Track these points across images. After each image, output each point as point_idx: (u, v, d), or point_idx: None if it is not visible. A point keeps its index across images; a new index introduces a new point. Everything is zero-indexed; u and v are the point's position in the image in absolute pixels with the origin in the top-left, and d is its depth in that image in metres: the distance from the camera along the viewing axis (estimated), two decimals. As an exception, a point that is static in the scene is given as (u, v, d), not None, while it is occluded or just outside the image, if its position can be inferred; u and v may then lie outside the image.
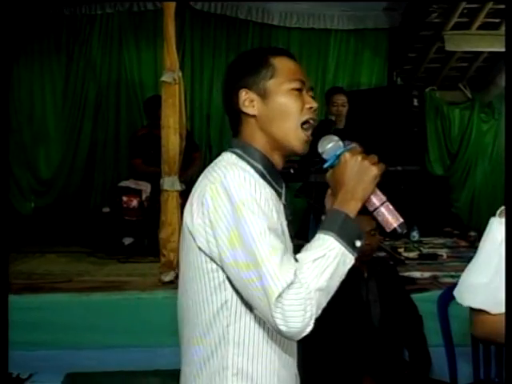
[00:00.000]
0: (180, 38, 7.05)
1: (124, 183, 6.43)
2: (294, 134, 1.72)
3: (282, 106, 1.72)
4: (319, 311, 1.53)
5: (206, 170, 1.72)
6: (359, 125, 6.40)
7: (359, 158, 1.62)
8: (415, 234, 6.21)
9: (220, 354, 1.65)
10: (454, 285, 4.24)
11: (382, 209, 1.65)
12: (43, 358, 3.93)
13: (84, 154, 7.95)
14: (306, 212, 6.17)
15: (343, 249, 1.56)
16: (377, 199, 1.65)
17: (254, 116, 1.74)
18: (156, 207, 5.04)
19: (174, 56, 4.60)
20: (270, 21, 8.04)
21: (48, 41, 7.89)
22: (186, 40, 7.98)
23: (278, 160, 1.77)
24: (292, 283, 1.48)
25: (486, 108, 8.49)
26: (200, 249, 1.62)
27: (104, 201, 7.33)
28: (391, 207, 1.65)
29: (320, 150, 1.70)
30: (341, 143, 1.69)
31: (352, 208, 1.61)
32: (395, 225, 1.64)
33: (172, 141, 4.56)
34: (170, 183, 4.57)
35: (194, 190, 1.70)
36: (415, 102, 7.53)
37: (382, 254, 5.15)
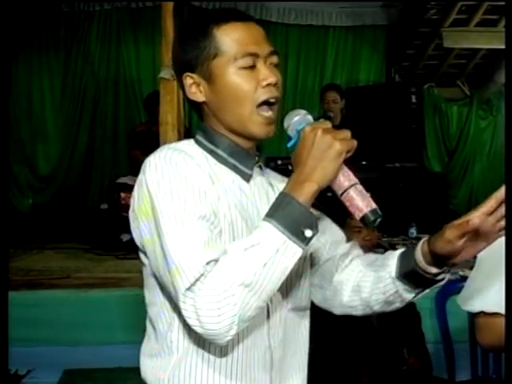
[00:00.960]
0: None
1: (122, 179, 6.42)
2: (249, 120, 1.46)
3: (230, 90, 1.45)
4: (249, 312, 1.28)
5: None
6: (357, 121, 6.41)
7: (319, 131, 1.32)
8: (413, 231, 6.20)
9: (161, 362, 1.50)
10: (452, 281, 4.26)
11: (351, 192, 1.35)
12: (41, 355, 3.94)
13: (82, 151, 7.96)
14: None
15: (285, 238, 1.28)
16: (344, 180, 1.36)
17: (203, 102, 1.51)
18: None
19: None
20: (268, 17, 8.03)
21: (46, 37, 7.89)
22: (184, 36, 7.96)
23: (243, 141, 1.51)
24: (205, 276, 1.26)
25: (484, 105, 8.50)
26: (137, 246, 1.52)
27: (102, 197, 7.33)
28: (363, 190, 1.36)
29: (285, 125, 1.45)
30: (310, 117, 1.43)
31: (305, 190, 1.31)
32: (366, 210, 1.34)
33: (170, 137, 4.56)
34: (168, 180, 4.57)
35: None
36: (413, 99, 7.52)
37: (380, 250, 5.15)
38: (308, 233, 1.30)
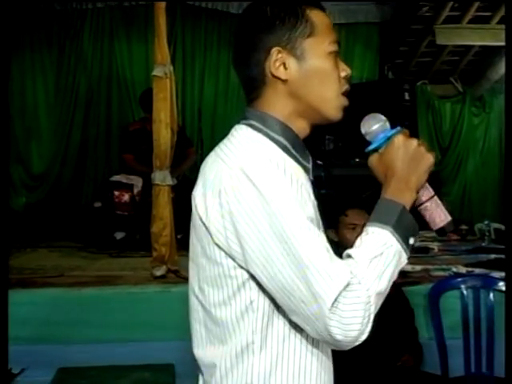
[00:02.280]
0: (171, 32, 7.05)
1: (115, 178, 6.42)
2: (335, 102, 1.48)
3: (321, 71, 1.45)
4: (374, 317, 1.30)
5: (217, 148, 1.45)
6: (350, 118, 6.40)
7: (415, 142, 1.41)
8: (407, 228, 6.20)
9: (242, 367, 1.38)
10: (446, 278, 4.29)
11: (430, 204, 1.44)
12: (35, 353, 3.93)
13: (75, 149, 7.94)
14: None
15: (400, 247, 1.33)
16: (425, 193, 1.44)
17: (284, 81, 1.44)
18: (148, 202, 5.04)
19: (165, 50, 4.60)
20: (262, 15, 8.01)
21: (39, 36, 7.87)
22: (177, 34, 7.96)
23: (303, 129, 1.49)
24: (349, 284, 1.25)
25: (477, 102, 8.53)
26: (218, 246, 1.36)
27: (96, 195, 7.32)
28: (439, 202, 1.45)
29: (363, 131, 1.49)
30: (388, 124, 1.48)
31: (407, 198, 1.38)
32: (444, 223, 1.44)
33: (163, 135, 4.56)
34: (162, 177, 4.56)
35: (203, 173, 1.43)
36: (406, 96, 7.52)
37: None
38: (411, 240, 1.37)
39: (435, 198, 1.45)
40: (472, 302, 3.56)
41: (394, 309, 3.58)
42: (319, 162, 5.65)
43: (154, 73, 4.59)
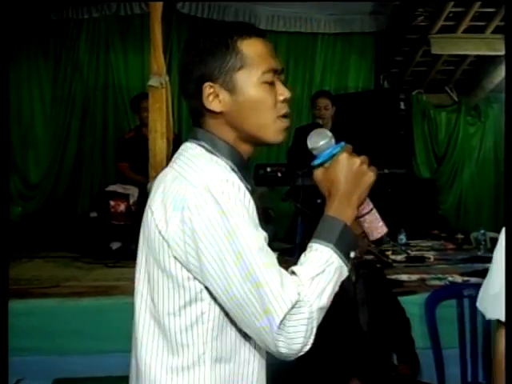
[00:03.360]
0: (167, 42, 7.05)
1: (111, 187, 6.40)
2: (272, 127, 1.53)
3: (253, 102, 1.51)
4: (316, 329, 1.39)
5: (174, 165, 1.52)
6: (346, 128, 6.42)
7: (358, 160, 1.48)
8: (402, 237, 6.21)
9: (193, 378, 1.44)
10: (442, 287, 4.29)
11: (369, 217, 1.55)
12: (30, 364, 3.91)
13: (71, 159, 7.94)
14: (293, 216, 6.18)
15: (341, 262, 1.42)
16: (365, 206, 1.54)
17: (219, 112, 1.51)
18: (143, 212, 5.03)
19: (160, 60, 4.61)
20: (257, 24, 8.00)
21: (35, 45, 7.87)
22: (172, 44, 7.97)
23: (246, 150, 1.57)
24: (296, 303, 1.33)
25: (472, 111, 8.55)
26: (175, 258, 1.42)
27: (91, 205, 7.31)
28: (377, 215, 1.56)
29: (310, 146, 1.54)
30: (333, 140, 1.54)
31: (350, 215, 1.47)
32: (380, 234, 1.56)
33: (159, 145, 4.56)
34: (158, 187, 4.56)
35: (162, 186, 1.48)
36: (402, 106, 7.55)
37: (370, 257, 5.16)
38: (352, 254, 1.47)
39: (374, 211, 1.55)
40: (468, 311, 3.56)
41: (390, 318, 3.58)
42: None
43: (150, 83, 4.60)
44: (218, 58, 1.49)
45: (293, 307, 1.32)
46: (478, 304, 1.98)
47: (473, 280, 4.41)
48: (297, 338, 1.33)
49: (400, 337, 3.59)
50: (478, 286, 3.87)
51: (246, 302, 1.34)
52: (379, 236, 1.56)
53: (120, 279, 4.99)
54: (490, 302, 1.89)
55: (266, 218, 5.36)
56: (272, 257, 1.38)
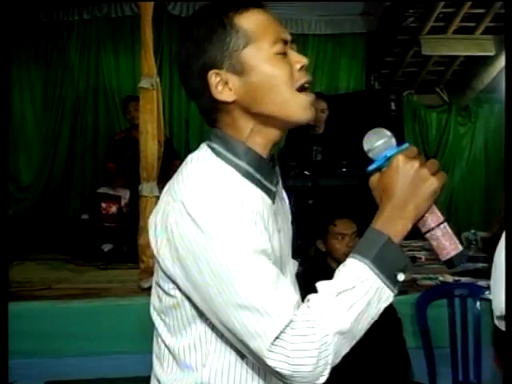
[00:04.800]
0: (158, 43, 7.04)
1: (103, 189, 6.41)
2: (293, 104, 1.34)
3: (267, 79, 1.33)
4: (337, 360, 1.21)
5: (178, 170, 1.40)
6: (337, 129, 6.44)
7: (416, 164, 1.26)
8: (394, 238, 6.20)
9: None
10: (433, 287, 4.30)
11: (438, 232, 1.29)
12: (23, 367, 3.90)
13: (62, 161, 7.94)
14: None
15: (379, 282, 1.22)
16: (433, 219, 1.30)
17: (232, 102, 1.35)
18: (135, 213, 5.03)
19: (151, 62, 4.60)
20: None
21: (26, 47, 7.85)
22: (163, 46, 7.97)
23: (266, 143, 1.38)
24: (292, 321, 1.17)
25: (462, 111, 8.57)
26: (168, 276, 1.32)
27: (83, 207, 7.30)
28: (449, 230, 1.30)
29: (366, 148, 1.34)
30: (393, 140, 1.32)
31: (399, 229, 1.26)
32: (452, 254, 1.29)
33: (150, 147, 4.55)
34: (149, 189, 4.56)
35: (160, 199, 1.37)
36: (393, 106, 7.55)
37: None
38: (400, 277, 1.25)
39: (445, 224, 1.30)
40: (459, 311, 3.58)
41: (381, 319, 3.58)
42: (307, 172, 5.66)
43: (141, 84, 4.58)
44: (216, 41, 1.33)
45: (289, 326, 1.17)
46: (497, 312, 1.87)
47: (464, 280, 4.44)
48: (302, 362, 1.16)
49: (391, 337, 3.60)
50: (469, 286, 3.91)
51: (232, 325, 1.21)
52: (450, 256, 1.29)
53: (112, 281, 5.00)
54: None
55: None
56: (263, 273, 1.21)
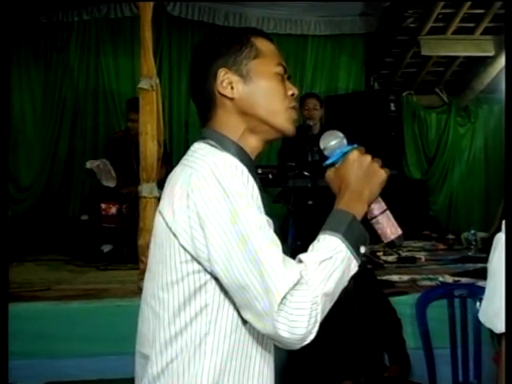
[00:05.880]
0: (157, 44, 7.05)
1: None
2: (282, 115, 1.58)
3: (266, 88, 1.57)
4: (323, 317, 1.37)
5: (182, 161, 1.53)
6: (337, 129, 6.43)
7: (368, 158, 1.51)
8: (394, 238, 6.20)
9: (193, 369, 1.43)
10: (433, 287, 4.30)
11: (382, 218, 1.52)
12: (22, 368, 3.90)
13: (62, 162, 7.94)
14: (285, 218, 6.18)
15: (349, 253, 1.40)
16: (378, 206, 1.52)
17: (231, 99, 1.56)
18: (135, 214, 5.03)
19: (151, 63, 4.59)
20: (248, 26, 8.03)
21: (26, 48, 7.88)
22: (163, 47, 7.98)
23: (256, 148, 1.60)
24: (298, 283, 1.32)
25: (462, 112, 8.57)
26: (184, 248, 1.41)
27: (82, 208, 7.30)
28: (391, 216, 1.53)
29: (322, 146, 1.56)
30: (345, 141, 1.55)
31: (359, 210, 1.46)
32: (393, 236, 1.52)
33: (150, 147, 4.54)
34: (149, 190, 4.55)
35: (169, 182, 1.51)
36: (392, 107, 7.57)
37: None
38: (362, 249, 1.45)
39: (387, 211, 1.52)
40: (459, 312, 3.57)
41: (381, 319, 3.59)
42: (306, 173, 5.66)
43: (140, 85, 4.58)
44: (232, 48, 1.57)
45: (294, 287, 1.31)
46: (482, 320, 1.86)
47: (463, 280, 4.43)
48: (299, 322, 1.30)
49: (391, 337, 3.60)
50: (468, 286, 3.91)
51: (247, 283, 1.34)
52: (392, 238, 1.52)
53: (111, 282, 5.00)
54: (499, 316, 1.74)
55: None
56: (274, 239, 1.38)
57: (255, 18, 8.07)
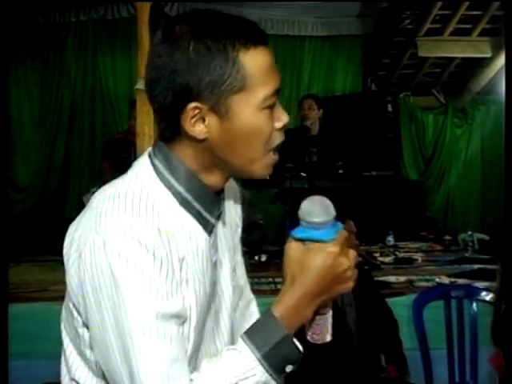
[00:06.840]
0: (155, 45, 7.04)
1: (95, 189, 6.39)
2: (260, 162, 1.26)
3: (248, 132, 1.22)
4: None
5: (120, 179, 1.28)
6: (334, 130, 6.45)
7: (346, 264, 1.20)
8: (390, 239, 6.23)
9: None
10: (429, 288, 4.31)
11: (326, 318, 1.28)
12: (19, 369, 3.89)
13: (59, 162, 7.95)
14: (282, 218, 6.18)
15: (266, 375, 1.16)
16: (325, 308, 1.28)
17: (201, 140, 1.22)
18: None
19: (148, 63, 4.59)
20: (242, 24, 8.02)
21: (23, 49, 7.86)
22: (160, 47, 7.97)
23: (215, 182, 1.29)
24: None
25: (459, 113, 8.58)
26: (73, 304, 1.26)
27: (79, 209, 7.25)
28: (330, 321, 1.29)
29: (301, 214, 1.23)
30: (332, 220, 1.22)
31: (300, 319, 1.21)
32: (320, 341, 1.28)
33: (147, 148, 4.55)
34: (146, 191, 4.55)
35: (81, 215, 1.31)
36: (389, 108, 7.58)
37: (358, 258, 5.17)
38: (289, 368, 1.20)
39: (329, 315, 1.28)
40: (455, 312, 3.57)
41: (378, 320, 3.59)
42: (303, 174, 5.67)
43: (138, 86, 4.58)
44: (212, 71, 1.17)
45: None
46: None
47: (460, 281, 4.44)
48: None
49: (388, 338, 3.60)
50: (465, 287, 3.91)
51: (117, 372, 1.16)
52: (318, 343, 1.29)
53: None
54: None
55: (253, 229, 5.35)
56: (164, 346, 1.13)
57: (252, 19, 8.02)
